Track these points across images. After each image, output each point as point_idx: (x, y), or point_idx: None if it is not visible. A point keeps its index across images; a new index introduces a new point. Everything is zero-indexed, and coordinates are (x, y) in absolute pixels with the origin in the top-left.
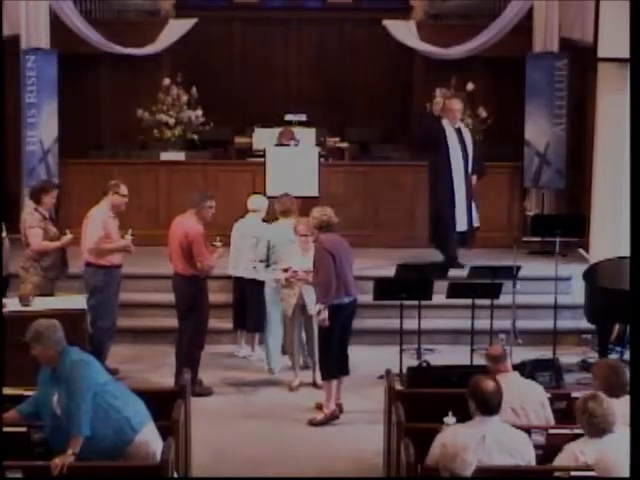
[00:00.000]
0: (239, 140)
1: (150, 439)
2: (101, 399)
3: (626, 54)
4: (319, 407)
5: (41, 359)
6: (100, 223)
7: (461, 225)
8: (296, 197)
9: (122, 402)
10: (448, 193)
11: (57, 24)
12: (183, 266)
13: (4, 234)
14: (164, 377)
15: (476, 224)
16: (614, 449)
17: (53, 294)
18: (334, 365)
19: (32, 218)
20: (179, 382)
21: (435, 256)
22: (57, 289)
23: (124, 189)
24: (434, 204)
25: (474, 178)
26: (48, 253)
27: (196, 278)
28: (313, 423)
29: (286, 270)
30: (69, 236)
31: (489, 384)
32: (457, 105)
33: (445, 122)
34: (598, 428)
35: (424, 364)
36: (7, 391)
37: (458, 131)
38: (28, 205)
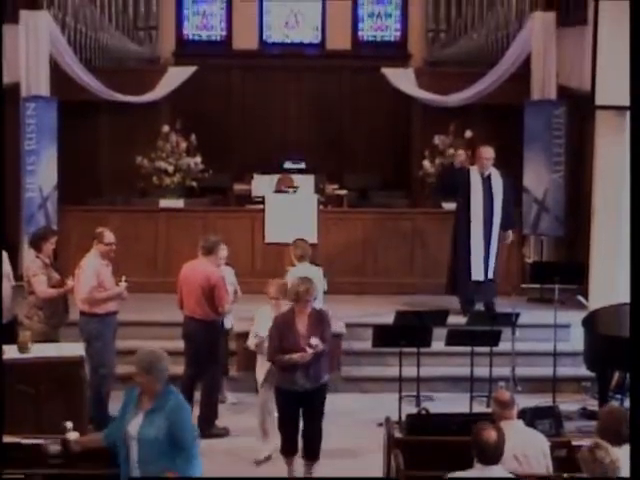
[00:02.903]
0: (238, 187)
1: None
2: None
3: (623, 102)
4: None
5: (142, 388)
6: (93, 273)
7: (477, 274)
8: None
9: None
10: (464, 240)
11: (57, 71)
12: (204, 311)
13: (9, 272)
14: None
15: (490, 276)
16: None
17: (58, 341)
18: None
19: (35, 266)
20: None
21: (434, 303)
22: (61, 336)
23: (109, 237)
24: (452, 251)
25: (509, 234)
26: (51, 300)
27: (214, 323)
28: None
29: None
30: (71, 283)
31: (491, 435)
32: (487, 153)
33: (473, 169)
34: (608, 477)
35: (423, 411)
36: (6, 439)
37: (487, 179)
38: (29, 253)
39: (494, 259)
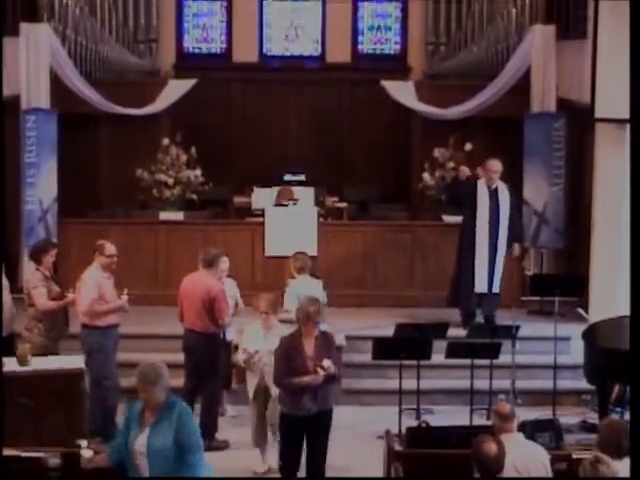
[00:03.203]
0: (238, 200)
1: None
2: None
3: (623, 114)
4: None
5: (148, 402)
6: (94, 285)
7: (480, 287)
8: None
9: None
10: (469, 253)
11: (57, 84)
12: (204, 323)
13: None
14: None
15: (495, 290)
16: None
17: (58, 353)
18: None
19: (35, 278)
20: None
21: (434, 316)
22: (61, 349)
23: (109, 249)
24: (456, 263)
25: (516, 247)
26: (51, 313)
27: (215, 335)
28: None
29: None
30: (72, 296)
31: (491, 448)
32: (494, 166)
33: (480, 182)
34: None
35: (423, 424)
36: (6, 451)
37: (494, 192)
38: (29, 265)
39: (500, 272)
